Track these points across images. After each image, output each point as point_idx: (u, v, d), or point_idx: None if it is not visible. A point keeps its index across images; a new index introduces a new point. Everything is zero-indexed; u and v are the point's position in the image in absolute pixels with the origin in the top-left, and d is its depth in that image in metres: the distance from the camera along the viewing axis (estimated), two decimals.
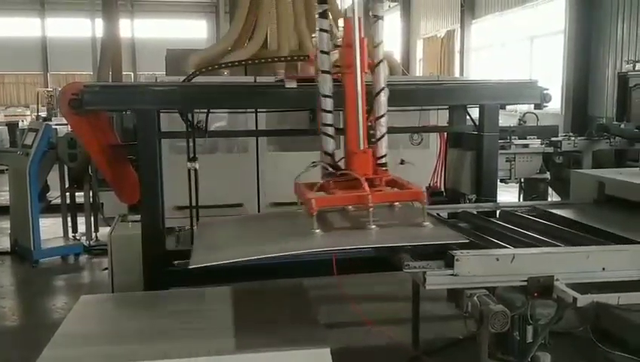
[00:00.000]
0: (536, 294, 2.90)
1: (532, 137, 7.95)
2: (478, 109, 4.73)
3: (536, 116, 8.49)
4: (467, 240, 3.07)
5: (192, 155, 4.18)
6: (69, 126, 5.17)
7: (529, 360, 3.01)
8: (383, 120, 3.35)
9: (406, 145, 5.68)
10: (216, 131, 4.85)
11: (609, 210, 3.90)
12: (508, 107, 9.10)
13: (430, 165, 5.55)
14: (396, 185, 3.36)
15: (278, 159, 6.05)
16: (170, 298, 3.76)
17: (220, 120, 5.91)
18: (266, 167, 5.99)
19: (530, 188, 8.24)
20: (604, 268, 2.97)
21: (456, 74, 17.84)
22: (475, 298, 2.82)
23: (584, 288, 2.88)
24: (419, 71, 20.51)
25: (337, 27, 6.87)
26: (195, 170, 4.08)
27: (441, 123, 5.77)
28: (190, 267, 2.96)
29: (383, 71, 3.35)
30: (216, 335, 3.16)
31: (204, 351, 2.97)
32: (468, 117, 5.04)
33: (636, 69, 9.69)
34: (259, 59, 5.00)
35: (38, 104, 20.58)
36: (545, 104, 4.58)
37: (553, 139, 8.01)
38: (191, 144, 4.19)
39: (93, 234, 7.46)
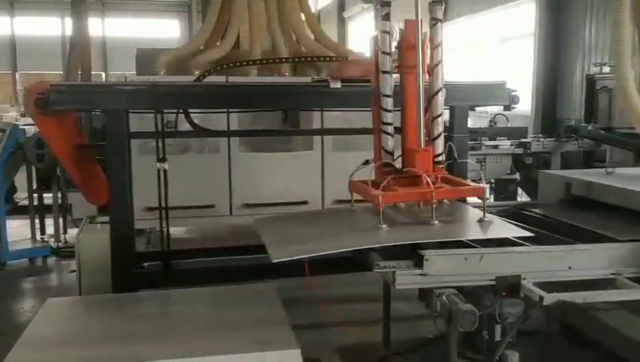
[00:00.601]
0: (504, 293, 2.94)
1: (502, 138, 8.08)
2: (448, 111, 4.77)
3: (507, 118, 8.62)
4: (532, 235, 3.22)
5: (161, 156, 4.13)
6: (37, 126, 5.08)
7: (497, 358, 3.03)
8: (439, 119, 3.46)
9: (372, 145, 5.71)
10: (187, 131, 4.79)
11: (575, 210, 3.97)
12: (479, 109, 9.21)
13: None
14: (451, 182, 3.48)
15: (250, 160, 6.03)
16: (138, 300, 3.72)
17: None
18: (238, 167, 5.97)
19: (501, 189, 8.37)
20: (570, 267, 3.03)
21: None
22: (444, 297, 2.85)
23: (551, 287, 2.93)
24: None
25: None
26: (165, 170, 4.03)
27: None
28: (274, 261, 2.98)
29: (441, 72, 3.44)
30: (186, 337, 3.14)
31: (174, 353, 2.95)
32: None
33: (603, 71, 9.89)
34: (273, 59, 5.03)
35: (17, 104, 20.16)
36: (513, 105, 4.64)
37: (523, 140, 8.16)
38: (160, 144, 4.14)
39: (62, 236, 7.34)
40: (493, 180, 8.17)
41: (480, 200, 3.35)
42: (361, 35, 22.62)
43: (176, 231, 5.53)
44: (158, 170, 4.02)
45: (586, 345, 4.15)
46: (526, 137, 8.35)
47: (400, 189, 3.32)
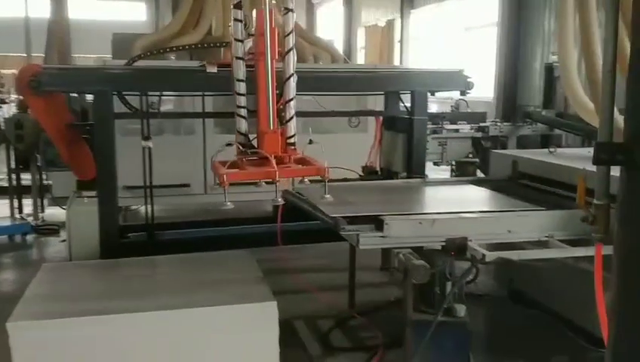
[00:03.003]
0: (453, 253, 3.37)
1: (462, 123, 8.55)
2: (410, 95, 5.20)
3: (466, 103, 9.08)
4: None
5: (146, 135, 4.46)
6: (29, 106, 5.34)
7: (445, 309, 3.47)
8: (292, 103, 3.64)
9: (345, 128, 6.10)
10: (168, 113, 5.12)
11: (518, 184, 4.45)
12: (442, 95, 9.67)
13: (368, 147, 6.00)
14: (305, 162, 3.70)
15: (224, 141, 6.34)
16: (125, 264, 4.07)
17: (168, 103, 6.16)
18: (213, 148, 6.27)
19: (461, 171, 8.85)
20: (509, 231, 3.48)
21: (397, 62, 18.43)
22: (401, 255, 3.26)
23: (494, 248, 3.38)
24: (360, 59, 21.00)
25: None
26: (150, 148, 4.34)
27: (378, 108, 6.23)
28: (333, 216, 3.30)
29: (293, 58, 3.61)
30: (169, 294, 3.52)
31: (158, 306, 3.33)
32: (401, 102, 5.50)
33: None
34: (189, 45, 5.20)
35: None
36: (468, 91, 5.08)
37: (481, 124, 8.64)
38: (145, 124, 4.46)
39: (39, 215, 7.57)
40: (454, 162, 8.64)
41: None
42: (329, 23, 22.89)
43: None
44: (143, 148, 4.32)
45: (529, 306, 4.66)
46: (485, 122, 8.82)
47: (249, 168, 3.56)
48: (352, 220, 3.41)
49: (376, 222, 3.35)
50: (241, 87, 3.64)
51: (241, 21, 3.57)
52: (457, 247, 3.34)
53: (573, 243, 3.42)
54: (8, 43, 26.27)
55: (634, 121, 1.51)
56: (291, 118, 3.64)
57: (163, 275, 3.84)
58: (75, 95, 6.23)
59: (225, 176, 3.41)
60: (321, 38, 9.50)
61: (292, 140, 3.67)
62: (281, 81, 3.61)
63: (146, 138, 4.34)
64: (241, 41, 3.58)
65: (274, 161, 3.46)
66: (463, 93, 5.20)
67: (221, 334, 3.35)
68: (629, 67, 1.48)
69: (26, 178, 7.54)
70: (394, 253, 3.33)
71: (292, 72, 3.61)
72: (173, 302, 3.38)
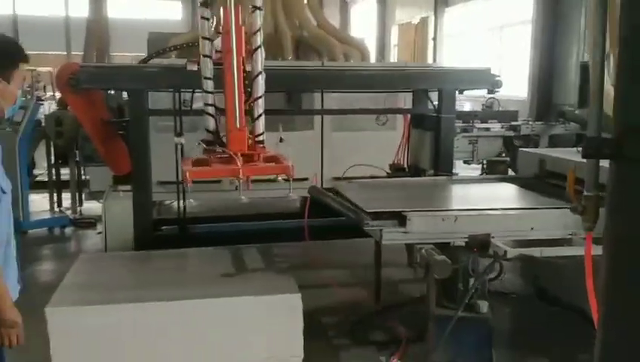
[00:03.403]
0: (475, 249, 3.42)
1: (493, 121, 8.52)
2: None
3: (498, 102, 9.04)
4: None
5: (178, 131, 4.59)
6: (68, 103, 5.55)
7: (468, 305, 3.52)
8: (260, 101, 3.66)
9: (373, 125, 6.16)
10: (201, 110, 5.26)
11: (545, 183, 4.45)
12: (475, 93, 9.65)
13: (396, 144, 6.06)
14: (275, 160, 3.72)
15: None
16: (158, 256, 4.23)
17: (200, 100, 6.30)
18: None
19: (492, 170, 8.82)
20: (532, 228, 3.51)
21: (430, 60, 18.36)
22: (423, 251, 3.33)
23: (516, 245, 3.42)
24: (393, 57, 20.99)
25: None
26: (182, 145, 4.48)
27: (407, 106, 6.27)
28: (368, 211, 3.39)
29: (261, 56, 3.63)
30: (198, 284, 3.65)
31: (189, 295, 3.46)
32: (429, 100, 5.54)
33: None
34: (185, 44, 5.26)
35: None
36: (497, 89, 5.09)
37: (513, 123, 8.59)
38: (178, 122, 4.60)
39: (78, 209, 7.84)
40: (485, 161, 8.62)
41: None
42: (363, 21, 22.91)
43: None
44: (176, 145, 4.45)
45: (555, 304, 4.66)
46: (516, 120, 8.77)
47: (215, 166, 3.59)
48: (377, 216, 3.49)
49: (400, 218, 3.42)
50: (209, 85, 3.68)
51: (207, 19, 3.60)
52: (480, 244, 3.39)
53: (596, 241, 3.43)
54: (47, 41, 27.08)
55: (622, 115, 1.56)
56: (260, 115, 3.66)
57: (193, 267, 3.98)
58: (112, 92, 6.46)
59: (188, 173, 3.47)
60: (352, 36, 9.57)
61: (261, 138, 3.69)
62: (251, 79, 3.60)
63: (179, 135, 4.48)
64: (209, 39, 3.60)
65: (239, 159, 3.49)
66: (490, 92, 5.21)
67: (247, 324, 3.47)
68: (617, 61, 1.53)
69: (65, 173, 7.82)
70: (416, 248, 3.41)
71: (260, 69, 3.61)
72: (202, 292, 3.51)
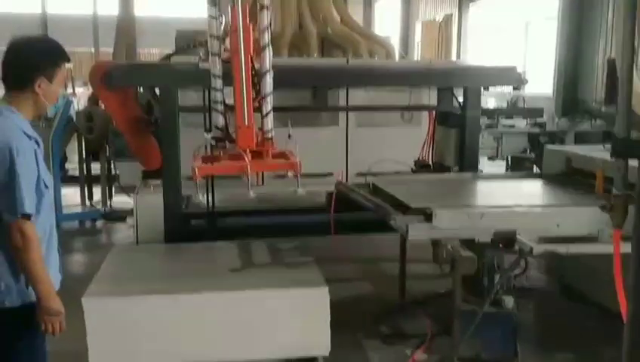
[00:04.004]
0: (501, 245, 3.46)
1: (518, 118, 8.48)
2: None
3: (523, 98, 9.01)
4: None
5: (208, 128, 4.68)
6: (101, 100, 5.70)
7: (494, 300, 3.56)
8: (268, 98, 3.72)
9: (398, 122, 6.21)
10: (229, 106, 5.36)
11: (571, 180, 4.46)
12: (501, 90, 9.61)
13: (421, 141, 6.09)
14: (283, 157, 3.78)
15: (281, 134, 6.55)
16: (188, 249, 4.34)
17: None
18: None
19: (516, 166, 8.79)
20: (558, 225, 3.53)
21: (454, 57, 18.27)
22: (449, 246, 3.38)
23: (542, 242, 3.44)
24: (417, 54, 20.92)
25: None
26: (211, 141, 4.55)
27: (432, 103, 6.29)
28: (413, 206, 3.45)
29: (268, 54, 3.68)
30: (227, 277, 3.75)
31: (217, 286, 3.56)
32: (454, 97, 5.57)
33: None
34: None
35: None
36: (521, 86, 5.09)
37: (538, 120, 8.55)
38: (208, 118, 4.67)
39: (108, 202, 8.01)
40: (509, 157, 8.59)
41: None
42: (387, 18, 22.85)
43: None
44: (206, 140, 4.54)
45: (580, 300, 4.67)
46: (542, 117, 8.72)
47: (225, 162, 3.68)
48: (403, 211, 3.54)
49: (426, 214, 3.47)
50: (218, 83, 3.74)
51: (215, 18, 3.64)
52: (505, 240, 3.43)
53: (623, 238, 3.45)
54: (75, 38, 27.45)
55: None
56: (268, 113, 3.72)
57: (221, 259, 4.08)
58: (141, 89, 6.59)
59: (197, 169, 3.56)
60: (377, 34, 9.60)
61: (269, 135, 3.75)
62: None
63: (208, 130, 4.57)
64: (217, 37, 3.65)
65: (248, 156, 3.56)
66: (516, 88, 5.22)
67: (275, 316, 3.56)
68: None
69: (96, 167, 7.98)
70: (442, 244, 3.45)
71: (268, 67, 3.66)
72: (231, 284, 3.62)
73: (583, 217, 3.54)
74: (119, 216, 7.58)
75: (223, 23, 3.75)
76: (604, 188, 2.52)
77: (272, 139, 3.78)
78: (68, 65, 2.66)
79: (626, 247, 3.32)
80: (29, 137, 2.44)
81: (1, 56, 2.50)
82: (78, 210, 7.78)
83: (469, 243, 3.46)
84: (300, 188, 3.74)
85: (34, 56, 2.49)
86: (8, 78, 2.49)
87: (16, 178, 2.34)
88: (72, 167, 8.37)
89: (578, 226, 3.51)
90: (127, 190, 6.82)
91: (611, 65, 10.43)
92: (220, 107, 3.81)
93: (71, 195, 8.12)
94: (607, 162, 3.24)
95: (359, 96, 6.29)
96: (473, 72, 5.11)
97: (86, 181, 8.03)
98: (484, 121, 6.79)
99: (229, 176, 6.29)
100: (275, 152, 3.79)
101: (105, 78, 4.43)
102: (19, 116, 2.47)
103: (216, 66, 3.74)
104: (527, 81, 5.09)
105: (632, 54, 1.91)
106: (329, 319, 3.61)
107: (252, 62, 3.66)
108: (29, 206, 2.36)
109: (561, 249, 3.34)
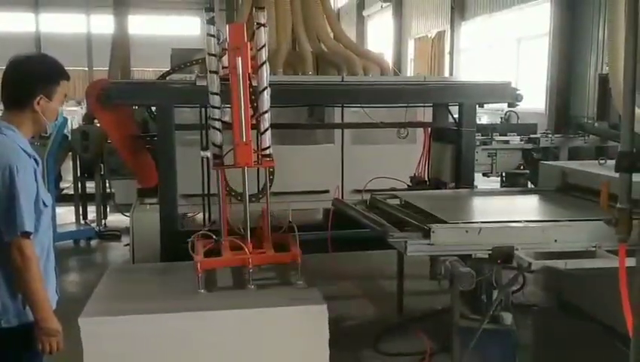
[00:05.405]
0: (499, 261, 3.45)
1: (512, 134, 8.53)
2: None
3: (517, 114, 9.06)
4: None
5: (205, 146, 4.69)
6: (98, 118, 5.69)
7: (492, 316, 3.55)
8: (266, 115, 3.76)
9: (394, 138, 6.22)
10: (226, 123, 5.37)
11: (567, 195, 4.47)
12: (494, 106, 9.68)
13: (416, 157, 6.11)
14: (283, 242, 3.92)
15: (276, 151, 6.56)
16: (184, 267, 4.30)
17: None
18: None
19: (511, 182, 8.82)
20: (556, 240, 3.53)
21: (446, 74, 18.41)
22: (448, 262, 3.37)
23: (540, 257, 3.44)
24: (410, 70, 21.06)
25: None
26: (208, 158, 4.57)
27: (427, 119, 6.33)
28: (449, 221, 3.49)
29: (266, 72, 3.72)
30: (224, 295, 3.72)
31: (215, 306, 3.54)
32: (450, 114, 5.60)
33: None
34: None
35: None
36: (517, 103, 5.14)
37: (532, 136, 8.61)
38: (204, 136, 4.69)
39: (102, 221, 7.97)
40: (504, 173, 8.62)
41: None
42: (379, 34, 23.03)
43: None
44: (202, 158, 4.55)
45: (578, 317, 4.66)
46: (535, 133, 8.78)
47: (226, 253, 3.78)
48: (401, 228, 3.54)
49: (424, 230, 3.47)
50: (215, 100, 3.76)
51: (213, 36, 3.69)
52: (504, 255, 3.42)
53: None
54: (68, 58, 27.56)
55: None
56: (266, 129, 3.76)
57: (219, 278, 4.05)
58: (136, 107, 6.59)
59: (199, 263, 3.65)
60: (371, 50, 9.65)
61: (267, 151, 3.80)
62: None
63: (205, 148, 4.58)
64: (215, 55, 3.70)
65: (248, 247, 3.70)
66: (511, 105, 5.25)
67: (273, 335, 3.53)
68: None
69: (91, 186, 7.97)
70: (440, 260, 3.45)
71: (265, 85, 3.71)
72: (229, 303, 3.59)
73: (581, 232, 3.55)
74: (114, 234, 7.54)
75: (221, 40, 3.78)
76: (609, 205, 2.53)
77: (269, 155, 3.78)
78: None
79: (630, 261, 3.38)
80: (29, 156, 2.44)
81: (0, 75, 2.50)
82: (73, 228, 7.73)
83: (465, 259, 3.47)
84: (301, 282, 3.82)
85: (34, 75, 2.50)
86: (8, 96, 2.49)
87: (17, 196, 2.33)
88: (66, 185, 8.34)
89: (576, 241, 3.52)
90: (121, 208, 6.80)
91: (603, 80, 10.55)
92: (218, 124, 3.84)
93: (65, 214, 8.09)
94: (608, 177, 3.27)
95: (355, 113, 6.31)
96: (468, 88, 5.14)
97: (81, 200, 7.99)
98: (478, 137, 6.83)
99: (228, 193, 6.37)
100: (275, 239, 3.89)
101: (102, 96, 4.44)
102: (19, 134, 2.46)
103: (214, 83, 3.76)
104: (522, 98, 5.11)
105: (634, 69, 1.93)
106: (328, 337, 3.58)
107: (249, 79, 3.69)
108: (28, 224, 2.35)
109: (560, 264, 3.35)
